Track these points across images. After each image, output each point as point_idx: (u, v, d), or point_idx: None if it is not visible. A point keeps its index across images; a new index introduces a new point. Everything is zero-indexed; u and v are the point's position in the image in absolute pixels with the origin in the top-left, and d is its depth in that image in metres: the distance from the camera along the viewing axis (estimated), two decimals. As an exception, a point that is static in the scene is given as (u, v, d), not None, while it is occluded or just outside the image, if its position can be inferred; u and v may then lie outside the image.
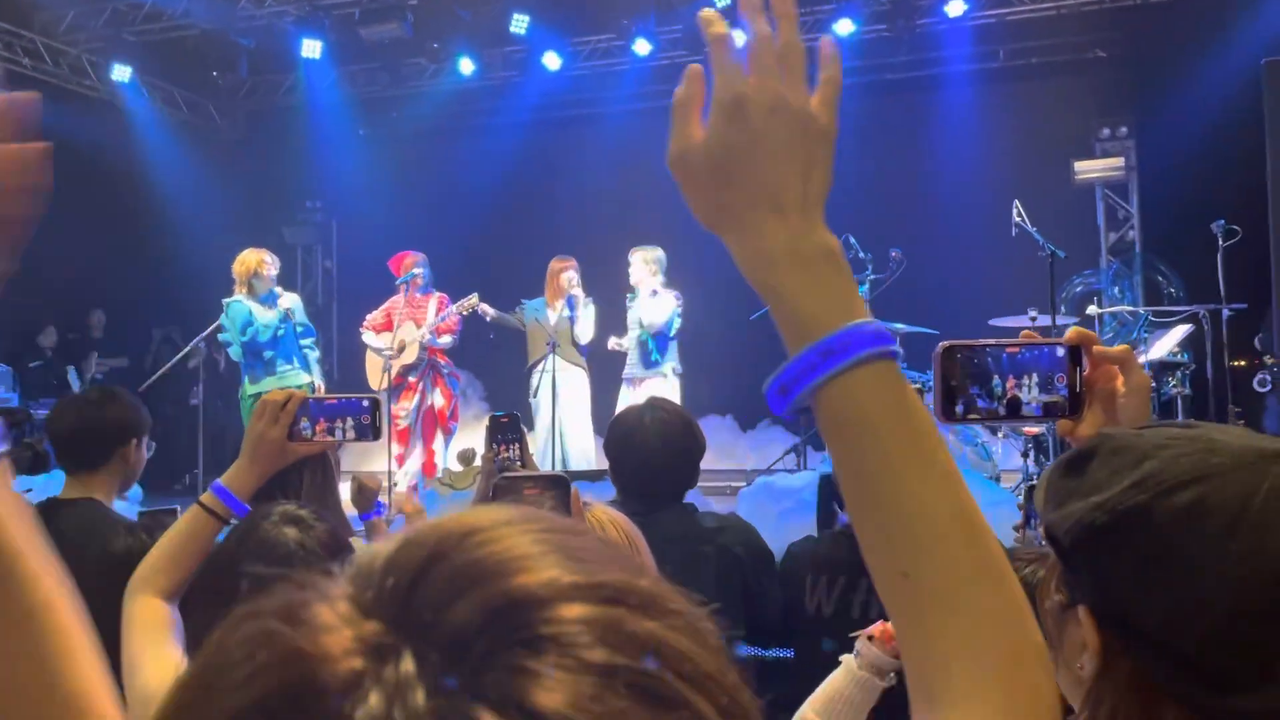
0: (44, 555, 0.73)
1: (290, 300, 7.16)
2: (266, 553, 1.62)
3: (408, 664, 0.39)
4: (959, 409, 1.10)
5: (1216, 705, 0.75)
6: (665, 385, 7.10)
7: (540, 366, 7.40)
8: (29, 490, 3.92)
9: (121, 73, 9.98)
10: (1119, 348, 1.13)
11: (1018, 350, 1.11)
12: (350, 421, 1.84)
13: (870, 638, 1.69)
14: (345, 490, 2.75)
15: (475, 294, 7.44)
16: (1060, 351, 1.11)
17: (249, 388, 7.07)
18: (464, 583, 0.41)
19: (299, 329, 7.18)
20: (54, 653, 0.70)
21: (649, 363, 7.23)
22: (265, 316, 6.94)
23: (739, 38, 0.76)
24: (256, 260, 6.95)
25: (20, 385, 8.87)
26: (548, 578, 0.42)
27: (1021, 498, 2.45)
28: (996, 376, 1.11)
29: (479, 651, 0.39)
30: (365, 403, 1.87)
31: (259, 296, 6.98)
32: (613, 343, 7.48)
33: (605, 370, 7.78)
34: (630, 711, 0.39)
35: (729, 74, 0.74)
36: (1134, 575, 0.78)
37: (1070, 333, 1.12)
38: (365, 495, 2.57)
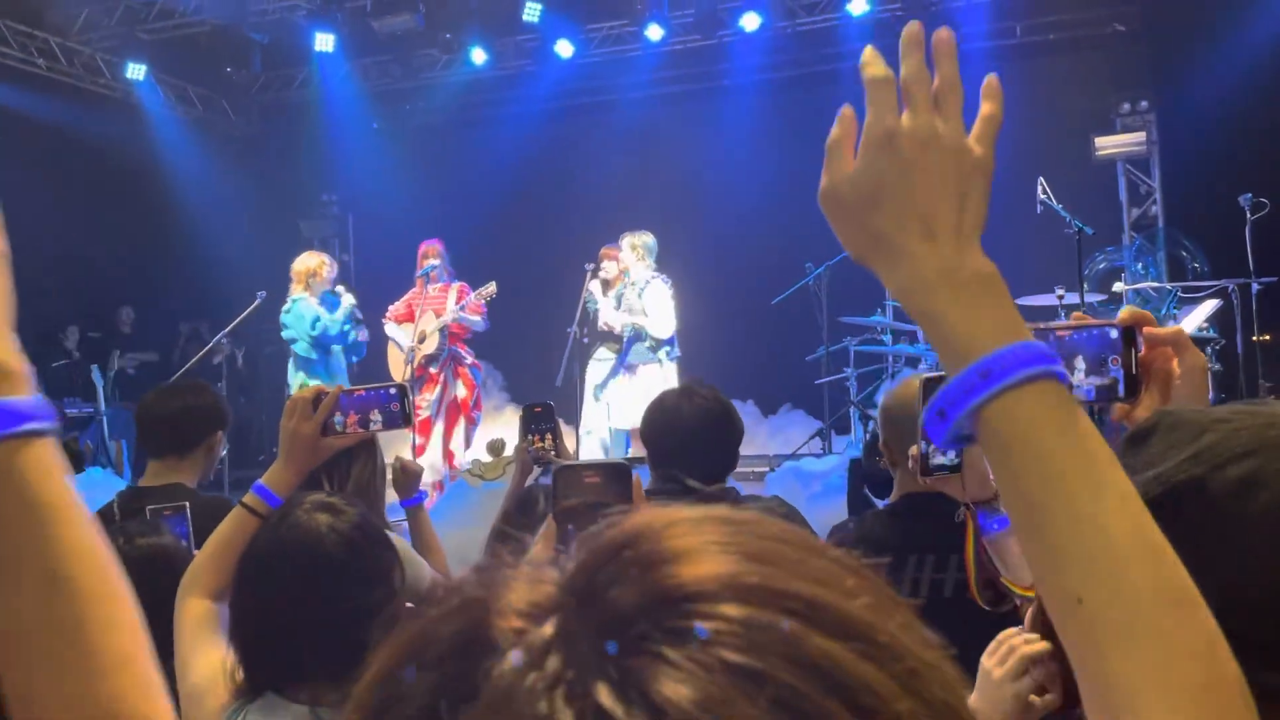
0: (109, 565, 0.76)
1: (351, 299, 7.46)
2: (299, 539, 1.64)
3: (548, 629, 0.40)
4: None
5: (1268, 681, 0.73)
6: (661, 372, 7.05)
7: (593, 357, 7.41)
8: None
9: (136, 71, 10.00)
10: (1171, 328, 1.10)
11: (1068, 333, 1.08)
12: (379, 411, 1.85)
13: None
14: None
15: (493, 283, 7.44)
16: (1114, 333, 1.08)
17: (307, 382, 7.16)
18: (637, 569, 0.42)
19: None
20: (104, 667, 0.72)
21: (644, 352, 7.17)
22: (329, 315, 7.25)
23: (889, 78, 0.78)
24: (317, 263, 7.30)
25: (45, 385, 8.92)
26: (714, 573, 0.41)
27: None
28: None
29: (632, 634, 0.40)
30: (393, 390, 1.87)
31: (317, 297, 7.27)
32: (603, 323, 7.39)
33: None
34: (753, 717, 0.37)
35: (881, 111, 0.76)
36: (1188, 548, 0.76)
37: (1124, 313, 1.10)
38: (408, 478, 2.56)
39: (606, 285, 7.36)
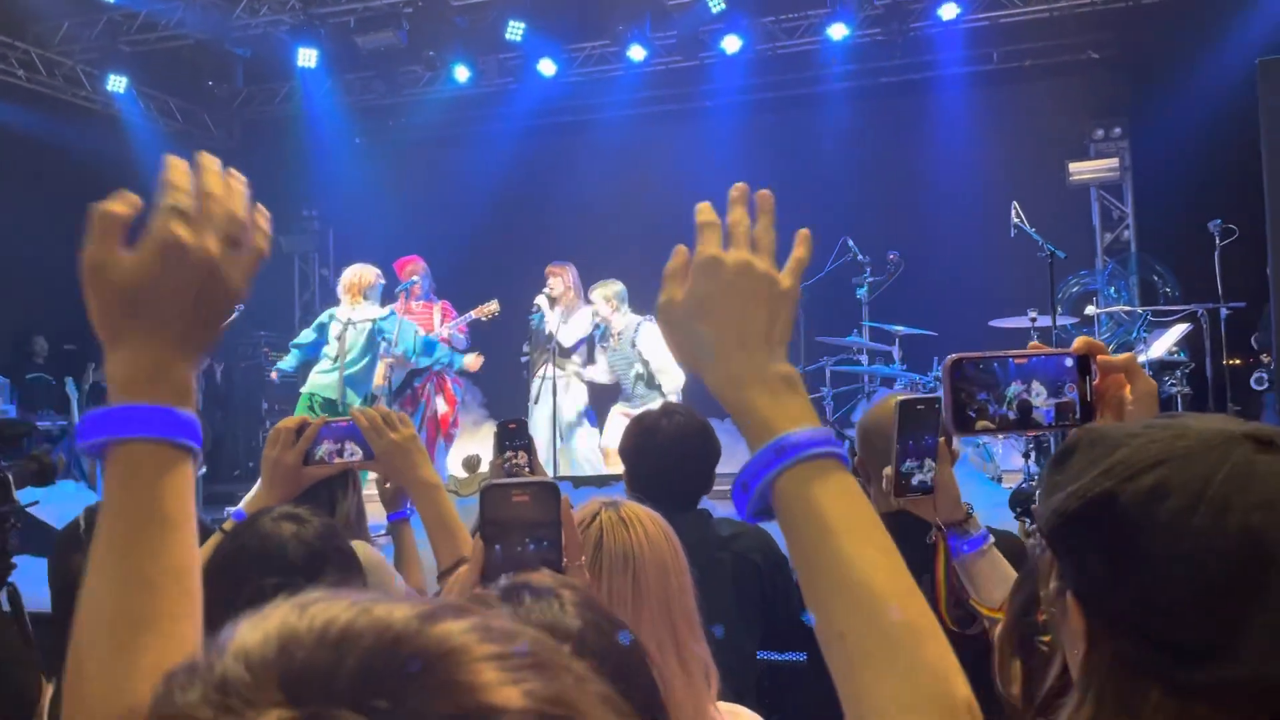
0: (194, 589, 0.83)
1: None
2: (263, 547, 1.66)
3: None
4: (970, 417, 1.11)
5: (1187, 680, 0.77)
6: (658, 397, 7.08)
7: (539, 374, 7.44)
8: (35, 503, 3.89)
9: (117, 83, 9.98)
10: (1123, 356, 1.15)
11: (1025, 360, 1.13)
12: (357, 443, 1.88)
13: None
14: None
15: (495, 301, 7.46)
16: (1069, 361, 1.13)
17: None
18: (338, 644, 0.42)
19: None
20: (154, 670, 0.74)
21: (653, 386, 7.16)
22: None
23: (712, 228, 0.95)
24: (374, 274, 7.21)
25: (18, 397, 8.85)
26: (404, 613, 0.44)
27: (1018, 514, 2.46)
28: (1005, 385, 1.12)
29: (392, 689, 0.40)
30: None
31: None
32: (587, 374, 7.41)
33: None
34: (551, 687, 0.42)
35: (708, 245, 0.93)
36: (1105, 559, 0.81)
37: (1078, 342, 1.14)
38: (395, 492, 2.57)
39: (553, 302, 7.39)
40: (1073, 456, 0.86)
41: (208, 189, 0.85)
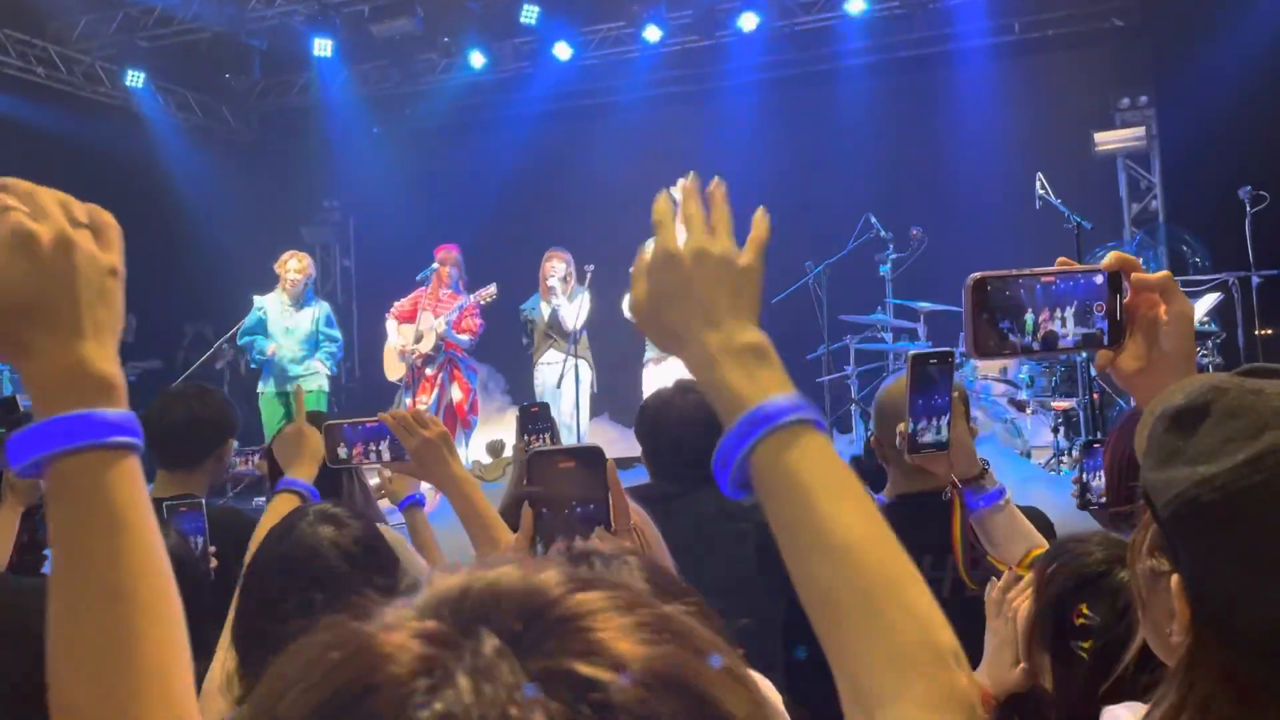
0: (168, 586, 0.79)
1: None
2: (301, 551, 1.65)
3: (490, 641, 0.44)
4: (991, 343, 1.04)
5: None
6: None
7: (539, 361, 7.46)
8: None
9: (135, 78, 10.02)
10: (1160, 274, 1.07)
11: (1053, 280, 1.05)
12: (385, 443, 1.91)
13: None
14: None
15: (494, 284, 7.45)
16: (1099, 279, 1.06)
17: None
18: (496, 595, 0.48)
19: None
20: (146, 681, 0.75)
21: None
22: None
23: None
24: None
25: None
26: (555, 578, 0.49)
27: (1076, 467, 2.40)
28: (1030, 309, 1.04)
29: (538, 631, 0.45)
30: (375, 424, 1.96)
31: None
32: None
33: (613, 353, 7.79)
34: (683, 654, 0.46)
35: (663, 241, 0.95)
36: (1239, 564, 0.72)
37: (1109, 258, 1.07)
38: (397, 484, 2.57)
39: (554, 292, 7.39)
40: (1203, 423, 0.77)
41: (24, 189, 0.80)
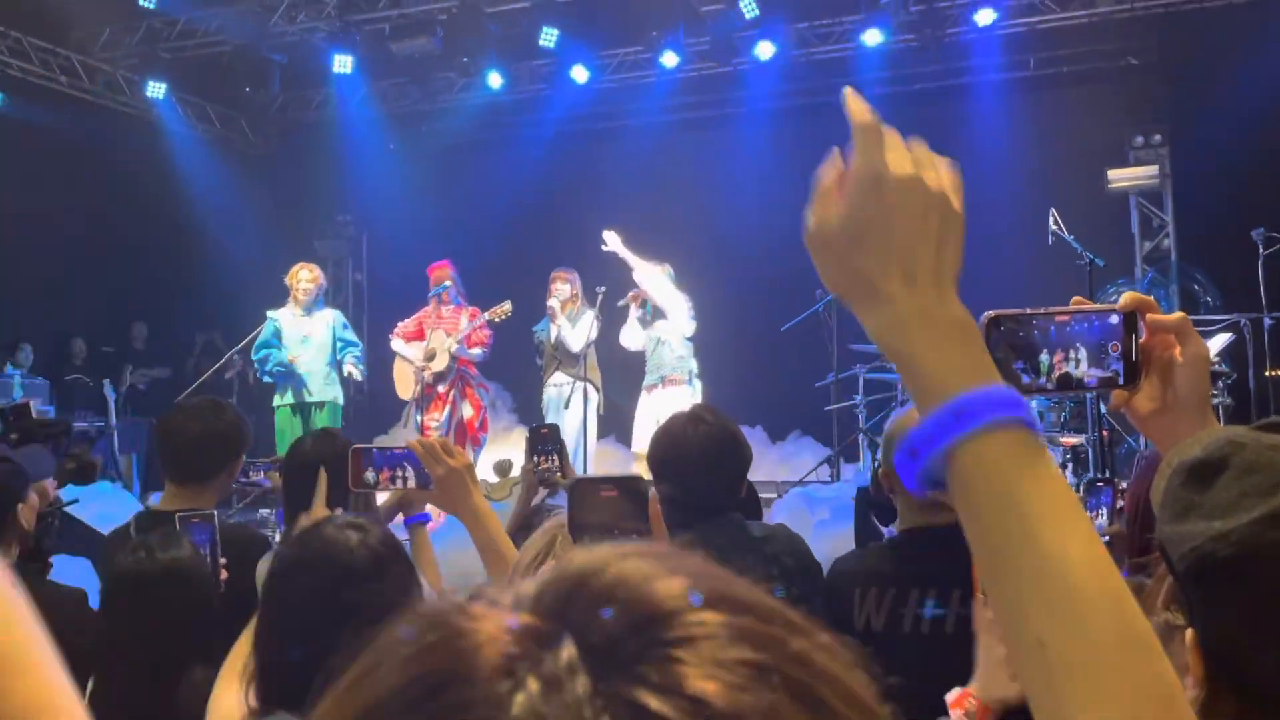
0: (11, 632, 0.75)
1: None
2: (328, 551, 1.67)
3: (569, 651, 0.42)
4: (1005, 382, 1.05)
5: None
6: (686, 392, 7.08)
7: (548, 382, 7.48)
8: (75, 501, 3.93)
9: (156, 89, 10.10)
10: (1176, 315, 1.06)
11: (1068, 319, 1.04)
12: (410, 469, 1.94)
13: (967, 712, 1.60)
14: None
15: (509, 301, 7.48)
16: (1114, 319, 1.05)
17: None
18: (611, 594, 0.44)
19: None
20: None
21: (666, 364, 7.19)
22: None
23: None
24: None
25: (57, 398, 8.98)
26: (681, 589, 0.44)
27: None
28: (1045, 348, 1.03)
29: (632, 648, 0.42)
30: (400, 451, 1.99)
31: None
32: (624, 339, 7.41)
33: (621, 374, 7.80)
34: (781, 706, 0.41)
35: (869, 154, 0.77)
36: (1253, 620, 0.72)
37: (1125, 298, 1.06)
38: (415, 496, 2.58)
39: (554, 314, 7.41)
40: (1220, 477, 0.76)
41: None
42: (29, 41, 9.78)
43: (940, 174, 0.78)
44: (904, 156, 0.77)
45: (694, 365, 7.28)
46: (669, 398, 7.01)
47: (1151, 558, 0.94)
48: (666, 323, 7.19)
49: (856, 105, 0.79)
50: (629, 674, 0.41)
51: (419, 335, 7.62)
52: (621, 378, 7.93)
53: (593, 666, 0.41)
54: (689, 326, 7.18)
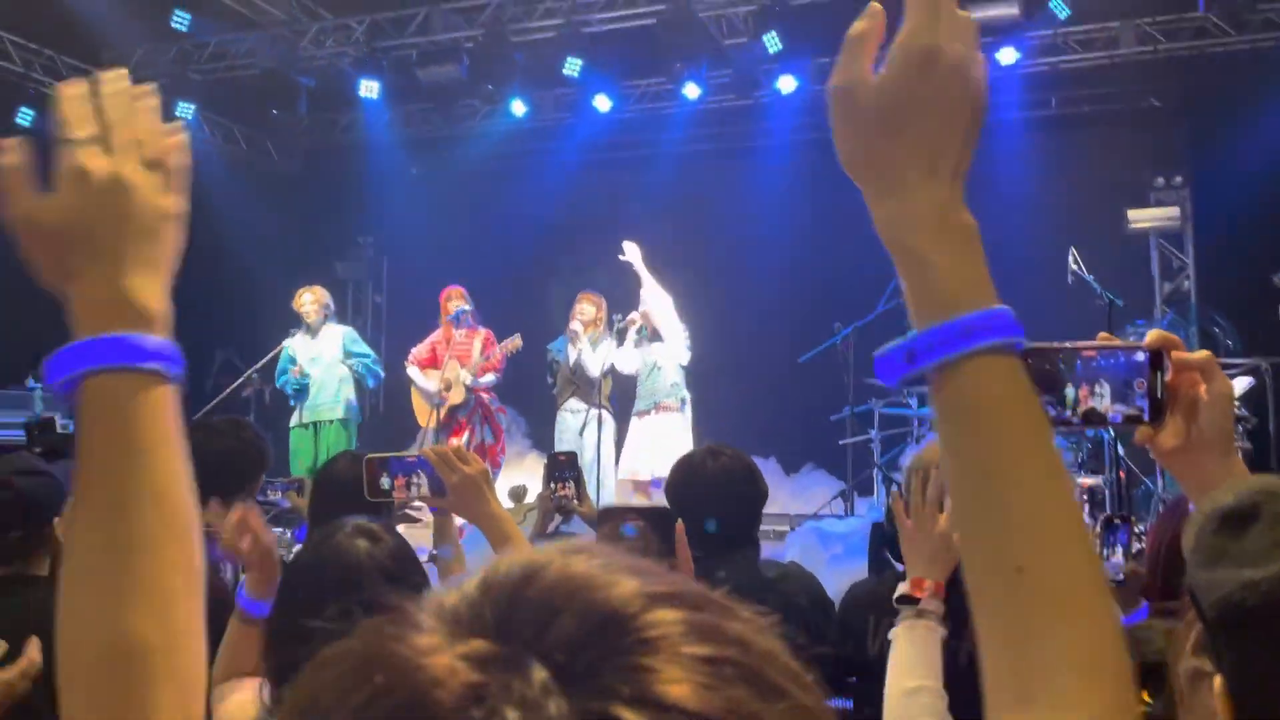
0: (180, 516, 0.78)
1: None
2: (338, 560, 1.68)
3: (539, 673, 0.40)
4: None
5: None
6: (679, 418, 7.08)
7: (562, 407, 7.47)
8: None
9: (185, 110, 10.24)
10: (1201, 353, 1.08)
11: (1094, 354, 1.05)
12: (424, 477, 1.94)
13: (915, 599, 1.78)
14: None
15: (518, 335, 7.51)
16: (1140, 356, 1.06)
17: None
18: (558, 599, 0.43)
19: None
20: (139, 599, 0.74)
21: (660, 391, 7.17)
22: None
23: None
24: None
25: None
26: (633, 589, 0.44)
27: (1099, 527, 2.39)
28: (1070, 383, 1.04)
29: (592, 657, 0.41)
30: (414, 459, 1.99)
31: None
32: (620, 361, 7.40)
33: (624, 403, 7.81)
34: (745, 699, 0.41)
35: (925, 24, 0.71)
36: None
37: (1151, 335, 1.07)
38: (445, 530, 2.58)
39: (576, 336, 7.41)
40: (1252, 525, 0.76)
41: (109, 118, 0.82)
42: (62, 60, 9.95)
43: (979, 61, 0.73)
44: (965, 32, 0.71)
45: (686, 393, 7.26)
46: (662, 423, 7.02)
47: (1180, 602, 0.94)
48: (663, 347, 7.17)
49: None
50: (599, 688, 0.40)
51: (433, 362, 7.65)
52: (621, 402, 7.93)
53: (563, 684, 0.40)
54: (685, 355, 7.18)
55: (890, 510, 2.59)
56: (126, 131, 0.82)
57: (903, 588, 1.74)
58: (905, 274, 0.74)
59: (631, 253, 7.36)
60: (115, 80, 0.84)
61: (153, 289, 0.83)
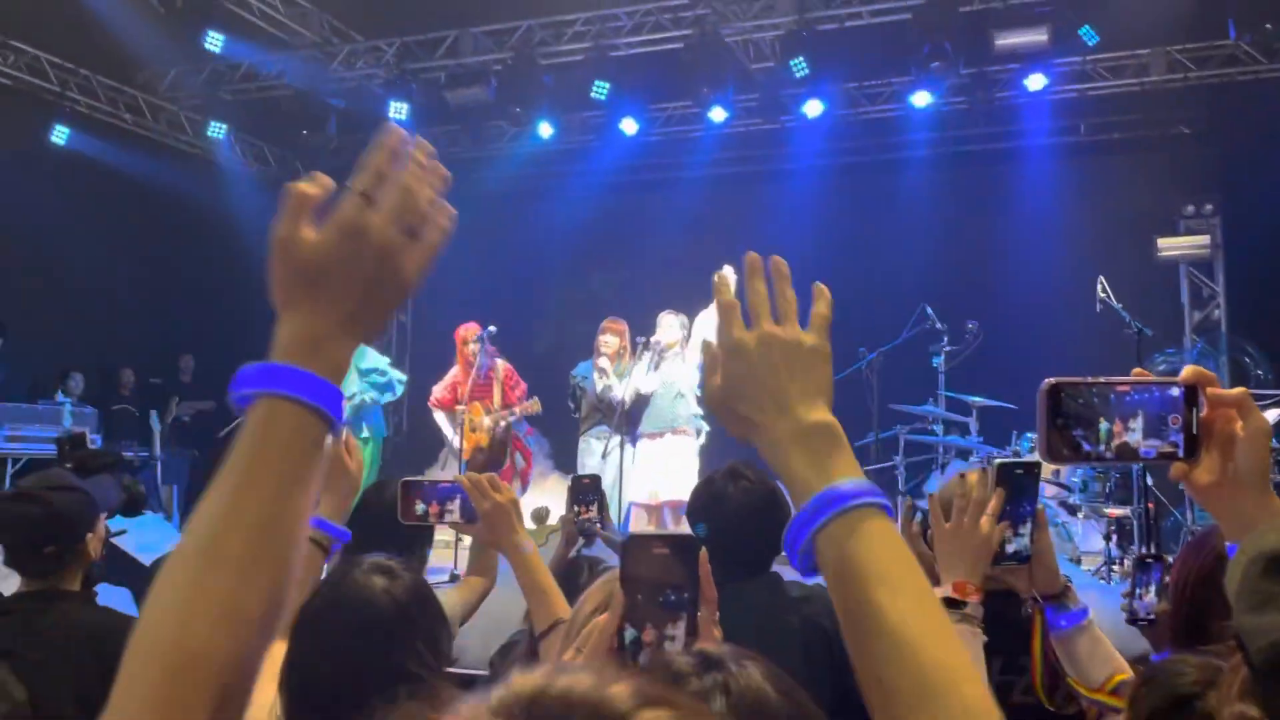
0: (298, 525, 0.84)
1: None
2: (354, 598, 1.66)
3: None
4: (1064, 450, 1.04)
5: None
6: (690, 441, 7.05)
7: (585, 432, 7.46)
8: (123, 531, 3.98)
9: (217, 129, 10.39)
10: (1237, 390, 1.07)
11: (1128, 390, 1.05)
12: (457, 504, 1.96)
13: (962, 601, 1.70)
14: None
15: (536, 399, 7.55)
16: (1175, 391, 1.05)
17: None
18: (567, 703, 0.52)
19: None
20: (226, 569, 0.78)
21: (680, 418, 7.13)
22: None
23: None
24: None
25: (105, 427, 9.12)
26: (628, 692, 0.53)
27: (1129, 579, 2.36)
28: (1104, 418, 1.04)
29: None
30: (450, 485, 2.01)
31: None
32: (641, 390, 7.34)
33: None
34: None
35: (730, 328, 0.98)
36: None
37: (1186, 372, 1.07)
38: (489, 558, 2.61)
39: (604, 373, 7.34)
40: None
41: (401, 181, 0.88)
42: (98, 80, 10.11)
43: (790, 327, 0.97)
44: (761, 322, 0.97)
45: (705, 425, 7.21)
46: (672, 446, 6.99)
47: (1226, 645, 0.93)
48: (687, 371, 7.11)
49: (721, 284, 1.00)
50: None
51: (451, 403, 7.66)
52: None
53: None
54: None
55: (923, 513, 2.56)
56: (406, 200, 0.88)
57: (945, 591, 1.70)
58: (787, 488, 0.95)
59: (729, 273, 7.34)
60: (421, 148, 0.91)
61: (351, 347, 0.88)
